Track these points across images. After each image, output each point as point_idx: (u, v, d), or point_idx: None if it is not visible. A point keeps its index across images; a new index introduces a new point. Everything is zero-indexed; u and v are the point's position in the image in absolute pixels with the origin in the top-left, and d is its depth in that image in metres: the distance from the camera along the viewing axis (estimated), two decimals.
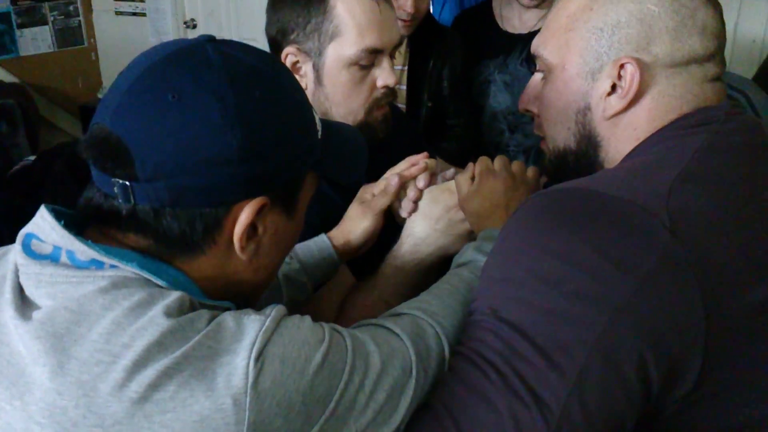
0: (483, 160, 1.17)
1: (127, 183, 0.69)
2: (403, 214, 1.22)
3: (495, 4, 2.46)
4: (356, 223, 1.22)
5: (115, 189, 0.70)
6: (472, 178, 1.15)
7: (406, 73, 2.29)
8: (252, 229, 0.75)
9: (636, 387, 0.75)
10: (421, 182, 1.21)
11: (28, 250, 0.72)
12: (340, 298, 1.22)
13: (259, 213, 0.74)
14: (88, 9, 4.65)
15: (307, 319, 0.75)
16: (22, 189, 2.38)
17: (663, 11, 0.90)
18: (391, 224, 1.26)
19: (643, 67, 0.90)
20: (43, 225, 0.72)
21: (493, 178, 1.12)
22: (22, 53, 4.27)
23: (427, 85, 2.28)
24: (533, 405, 0.73)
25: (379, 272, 1.22)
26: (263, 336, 0.67)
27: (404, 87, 2.28)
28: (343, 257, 1.21)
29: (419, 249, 1.19)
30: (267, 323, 0.69)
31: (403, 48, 2.28)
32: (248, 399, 0.64)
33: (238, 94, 0.70)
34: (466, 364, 0.79)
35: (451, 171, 1.25)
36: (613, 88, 0.92)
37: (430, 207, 1.20)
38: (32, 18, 4.23)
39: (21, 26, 4.18)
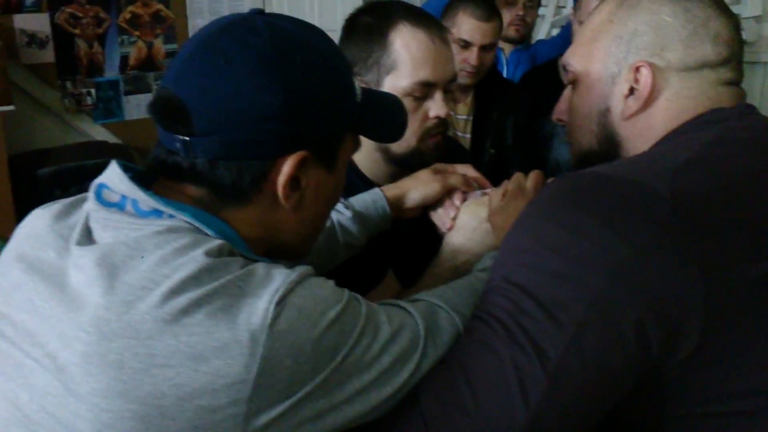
0: (516, 178, 1.23)
1: (187, 138, 0.78)
2: (443, 229, 1.31)
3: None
4: (421, 184, 1.31)
5: (177, 144, 0.79)
6: (505, 194, 1.22)
7: (470, 123, 2.39)
8: (296, 181, 0.83)
9: (634, 346, 0.80)
10: (457, 200, 1.31)
11: (99, 198, 0.81)
12: None
13: (301, 166, 0.82)
14: None
15: (331, 282, 0.81)
16: None
17: (676, 21, 0.97)
18: (434, 238, 1.34)
19: (657, 70, 0.97)
20: (113, 177, 0.82)
21: (521, 197, 1.18)
22: (127, 118, 4.53)
23: (491, 134, 2.37)
24: (533, 354, 0.79)
25: (420, 280, 1.29)
26: (287, 285, 0.74)
27: (468, 136, 2.38)
28: (393, 211, 1.29)
29: (456, 257, 1.27)
30: (293, 276, 0.76)
31: (469, 99, 2.39)
32: (264, 336, 0.70)
33: (281, 58, 0.79)
34: (477, 323, 0.86)
35: (489, 188, 1.33)
36: (631, 91, 0.99)
37: (466, 219, 1.28)
38: (138, 86, 4.53)
39: (127, 93, 4.48)
